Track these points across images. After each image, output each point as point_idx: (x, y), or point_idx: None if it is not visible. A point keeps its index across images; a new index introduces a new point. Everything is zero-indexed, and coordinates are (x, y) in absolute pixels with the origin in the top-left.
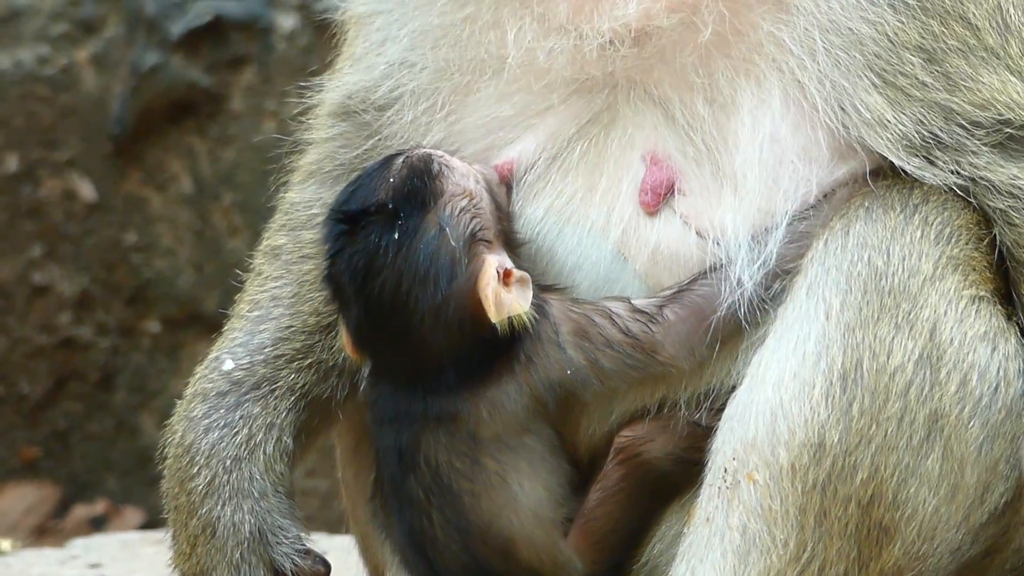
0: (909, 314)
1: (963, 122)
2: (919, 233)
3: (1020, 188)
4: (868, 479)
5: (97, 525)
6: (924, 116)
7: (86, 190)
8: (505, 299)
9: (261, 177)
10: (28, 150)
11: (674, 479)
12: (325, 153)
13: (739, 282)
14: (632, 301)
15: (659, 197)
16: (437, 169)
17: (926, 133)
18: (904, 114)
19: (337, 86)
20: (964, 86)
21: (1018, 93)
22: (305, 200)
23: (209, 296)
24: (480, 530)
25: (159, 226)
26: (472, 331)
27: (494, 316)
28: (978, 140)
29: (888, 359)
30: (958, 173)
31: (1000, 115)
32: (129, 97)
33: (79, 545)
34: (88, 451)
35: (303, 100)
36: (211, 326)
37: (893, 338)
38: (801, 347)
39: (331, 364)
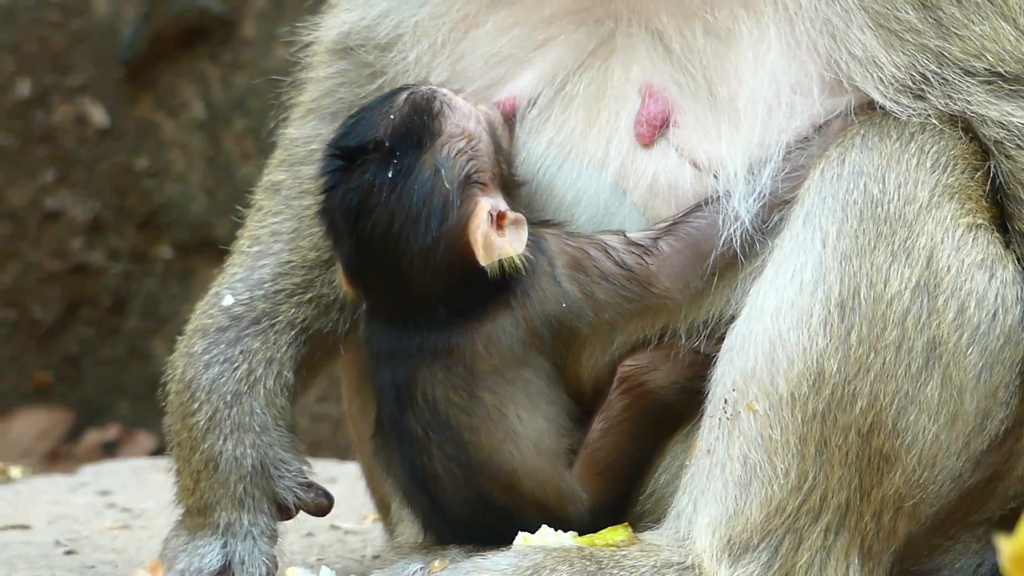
0: (906, 242)
1: (956, 68)
2: (915, 161)
3: (1014, 123)
4: (867, 407)
5: (109, 450)
6: (916, 60)
7: (98, 115)
8: (496, 242)
9: (273, 103)
10: (40, 75)
11: (678, 408)
12: (324, 90)
13: (736, 216)
14: (627, 234)
15: (655, 129)
16: (438, 108)
17: (917, 75)
18: (896, 56)
19: (335, 23)
20: (956, 34)
21: (1009, 42)
22: (304, 136)
23: (221, 222)
24: (481, 464)
25: (171, 151)
26: (462, 272)
27: (483, 259)
28: (971, 83)
29: (885, 287)
30: (949, 107)
31: (992, 66)
32: (141, 22)
33: (89, 472)
34: (100, 376)
35: (303, 36)
36: (223, 252)
37: (890, 266)
38: (798, 276)
39: (331, 298)
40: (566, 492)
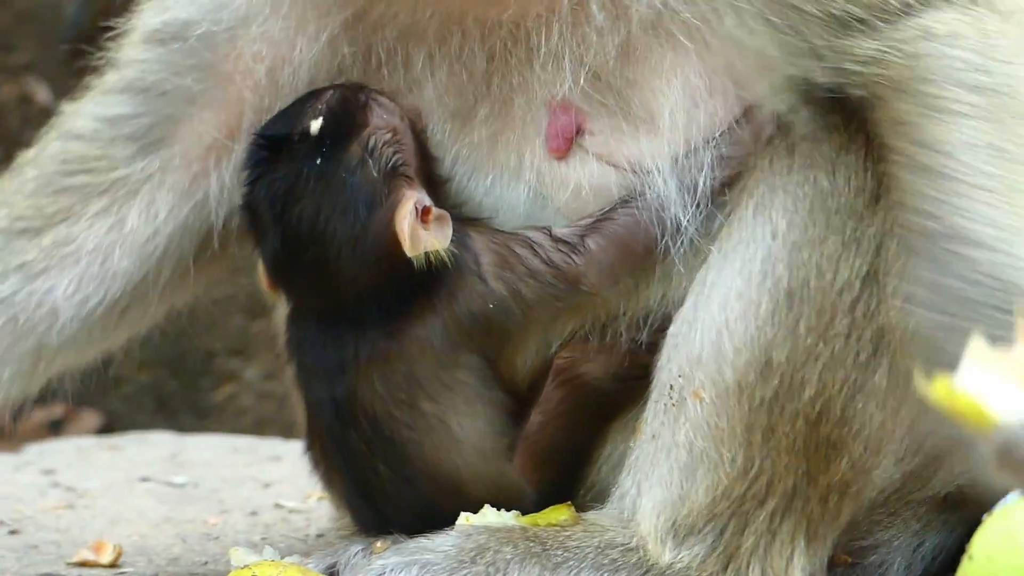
0: (855, 232)
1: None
2: (863, 152)
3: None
4: (816, 396)
5: (54, 429)
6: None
7: (42, 94)
8: (422, 235)
9: None
10: None
11: (615, 397)
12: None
13: (666, 211)
14: (553, 231)
15: (568, 142)
16: (364, 100)
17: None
18: (795, 64)
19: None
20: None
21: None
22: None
23: None
24: (427, 475)
25: None
26: (389, 264)
27: (409, 250)
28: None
29: (835, 277)
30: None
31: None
32: (85, 1)
33: (34, 451)
34: None
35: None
36: None
37: (840, 256)
38: (747, 267)
39: None
40: (511, 489)
